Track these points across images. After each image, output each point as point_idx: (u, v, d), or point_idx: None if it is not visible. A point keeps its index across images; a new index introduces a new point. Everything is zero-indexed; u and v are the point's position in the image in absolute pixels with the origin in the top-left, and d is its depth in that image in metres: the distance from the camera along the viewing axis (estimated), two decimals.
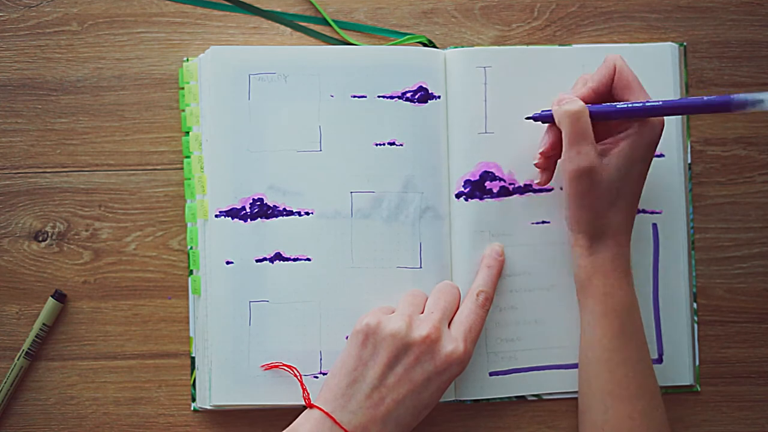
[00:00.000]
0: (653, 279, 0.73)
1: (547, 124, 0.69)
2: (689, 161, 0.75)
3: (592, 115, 0.66)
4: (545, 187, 0.73)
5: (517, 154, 0.73)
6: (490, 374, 0.72)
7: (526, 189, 0.73)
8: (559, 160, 0.69)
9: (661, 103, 0.65)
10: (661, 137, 0.68)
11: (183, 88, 0.74)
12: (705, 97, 0.64)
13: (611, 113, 0.67)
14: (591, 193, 0.67)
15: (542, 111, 0.69)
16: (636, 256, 0.73)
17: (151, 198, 0.74)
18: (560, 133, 0.67)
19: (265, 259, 0.71)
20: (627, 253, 0.68)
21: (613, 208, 0.67)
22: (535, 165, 0.70)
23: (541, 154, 0.69)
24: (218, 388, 0.70)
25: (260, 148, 0.71)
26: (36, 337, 0.72)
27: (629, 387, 0.67)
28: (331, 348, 0.70)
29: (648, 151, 0.67)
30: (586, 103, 0.67)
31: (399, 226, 0.71)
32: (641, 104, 0.66)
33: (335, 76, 0.72)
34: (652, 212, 0.74)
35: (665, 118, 0.67)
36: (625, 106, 0.66)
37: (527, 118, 0.70)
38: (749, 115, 0.75)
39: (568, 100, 0.67)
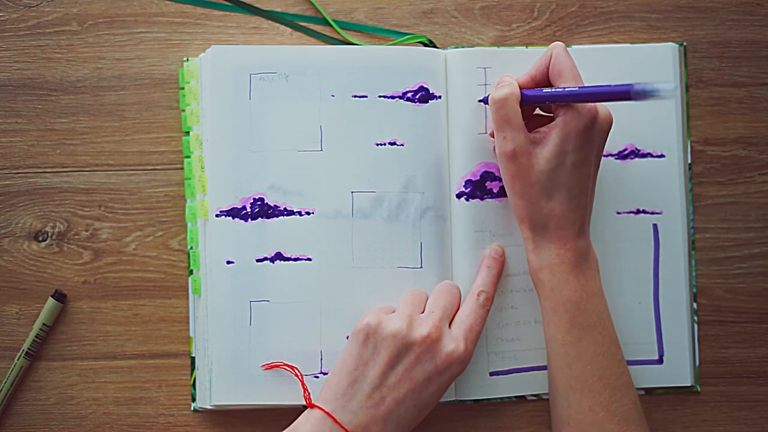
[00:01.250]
0: (653, 279, 0.73)
1: None
2: (689, 161, 0.75)
3: (523, 99, 0.67)
4: None
5: None
6: (491, 374, 0.72)
7: None
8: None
9: (576, 88, 0.65)
10: (601, 131, 0.67)
11: (183, 88, 0.74)
12: (610, 85, 0.64)
13: (534, 98, 0.67)
14: (521, 180, 0.67)
15: (486, 96, 0.70)
16: (636, 256, 0.73)
17: (151, 198, 0.74)
18: None
19: (265, 258, 0.71)
20: (575, 247, 0.67)
21: (550, 200, 0.67)
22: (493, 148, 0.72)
23: (490, 134, 0.71)
24: (218, 388, 0.70)
25: (261, 147, 0.71)
26: (36, 337, 0.72)
27: (587, 380, 0.66)
28: (331, 348, 0.70)
29: (580, 141, 0.66)
30: (523, 89, 0.68)
31: (400, 226, 0.71)
32: (560, 89, 0.66)
33: (336, 76, 0.72)
34: (652, 212, 0.74)
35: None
36: (547, 91, 0.66)
37: (479, 101, 0.72)
38: (749, 115, 0.75)
39: (502, 85, 0.68)
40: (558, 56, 0.67)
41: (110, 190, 0.74)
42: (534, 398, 0.73)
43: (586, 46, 0.74)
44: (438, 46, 0.75)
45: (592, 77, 0.73)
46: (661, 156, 0.74)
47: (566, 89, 0.66)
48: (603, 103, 0.68)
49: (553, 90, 0.66)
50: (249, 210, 0.71)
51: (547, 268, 0.68)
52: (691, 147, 0.75)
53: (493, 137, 0.71)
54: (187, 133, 0.73)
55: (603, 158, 0.73)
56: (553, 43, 0.68)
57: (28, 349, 0.72)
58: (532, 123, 0.70)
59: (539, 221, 0.68)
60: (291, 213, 0.71)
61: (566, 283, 0.67)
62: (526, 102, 0.67)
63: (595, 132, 0.67)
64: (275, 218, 0.71)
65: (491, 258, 0.71)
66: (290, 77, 0.72)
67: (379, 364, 0.65)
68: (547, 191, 0.67)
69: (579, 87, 0.66)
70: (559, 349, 0.67)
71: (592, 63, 0.73)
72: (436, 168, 0.72)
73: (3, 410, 0.72)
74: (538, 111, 0.71)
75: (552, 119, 0.68)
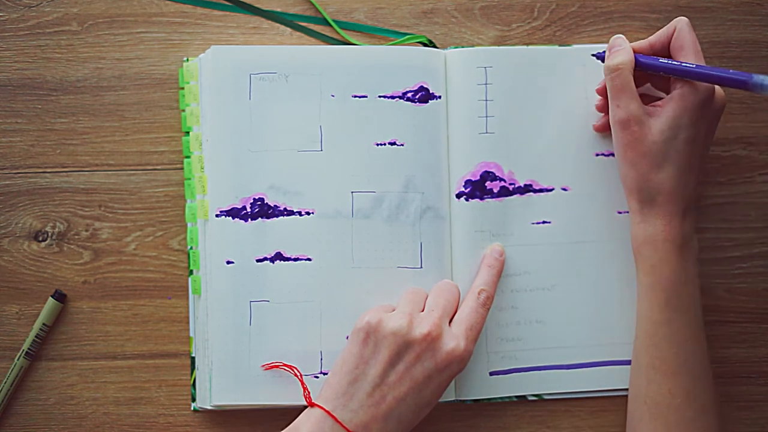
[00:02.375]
0: None
1: None
2: None
3: (637, 64, 0.68)
4: (545, 187, 0.73)
5: (518, 154, 0.73)
6: (491, 374, 0.72)
7: (527, 189, 0.73)
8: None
9: (694, 66, 0.66)
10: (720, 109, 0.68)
11: (183, 88, 0.74)
12: (729, 70, 0.64)
13: (649, 65, 0.68)
14: (633, 149, 0.67)
15: (603, 51, 0.70)
16: None
17: (151, 198, 0.74)
18: None
19: (265, 258, 0.71)
20: (680, 226, 0.67)
21: (660, 172, 0.67)
22: (596, 106, 0.72)
23: (597, 90, 0.72)
24: (218, 388, 0.70)
25: (261, 147, 0.71)
26: (36, 337, 0.72)
27: (672, 363, 0.67)
28: (331, 348, 0.70)
29: (694, 116, 0.66)
30: (639, 54, 0.68)
31: (399, 226, 0.71)
32: (677, 63, 0.66)
33: (336, 76, 0.72)
34: None
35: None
36: (664, 61, 0.67)
37: (592, 55, 0.72)
38: (749, 115, 0.75)
39: (616, 49, 0.69)
40: (682, 30, 0.68)
41: (110, 190, 0.74)
42: (534, 398, 0.73)
43: (586, 46, 0.74)
44: (438, 46, 0.75)
45: (592, 77, 0.73)
46: None
47: (684, 64, 0.66)
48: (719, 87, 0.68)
49: (671, 62, 0.67)
50: (249, 210, 0.71)
51: (651, 243, 0.68)
52: None
53: (599, 109, 0.72)
54: (187, 133, 0.73)
55: (603, 157, 0.73)
56: (678, 18, 0.68)
57: (28, 349, 0.72)
58: (644, 95, 0.70)
59: (647, 193, 0.68)
60: (291, 213, 0.71)
61: (667, 263, 0.67)
62: (640, 67, 0.68)
63: (710, 111, 0.67)
64: (275, 218, 0.71)
65: (492, 257, 0.71)
66: (290, 77, 0.72)
67: (379, 363, 0.65)
68: (658, 162, 0.67)
69: (698, 65, 0.66)
70: (650, 327, 0.68)
71: (593, 63, 0.73)
72: (436, 168, 0.72)
73: (3, 410, 0.72)
74: (650, 91, 0.71)
75: (663, 89, 0.69)
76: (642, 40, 0.70)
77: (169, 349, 0.73)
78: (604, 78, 0.69)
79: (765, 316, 0.74)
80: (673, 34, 0.68)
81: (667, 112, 0.67)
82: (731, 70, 0.64)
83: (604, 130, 0.72)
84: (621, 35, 0.70)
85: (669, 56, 0.68)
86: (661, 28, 0.74)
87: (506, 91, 0.73)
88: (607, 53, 0.69)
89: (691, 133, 0.67)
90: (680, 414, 0.66)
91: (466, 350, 0.66)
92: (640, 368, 0.68)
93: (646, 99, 0.70)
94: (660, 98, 0.69)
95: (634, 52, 0.69)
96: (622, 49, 0.68)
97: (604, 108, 0.72)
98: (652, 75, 0.70)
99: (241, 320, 0.70)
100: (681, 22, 0.68)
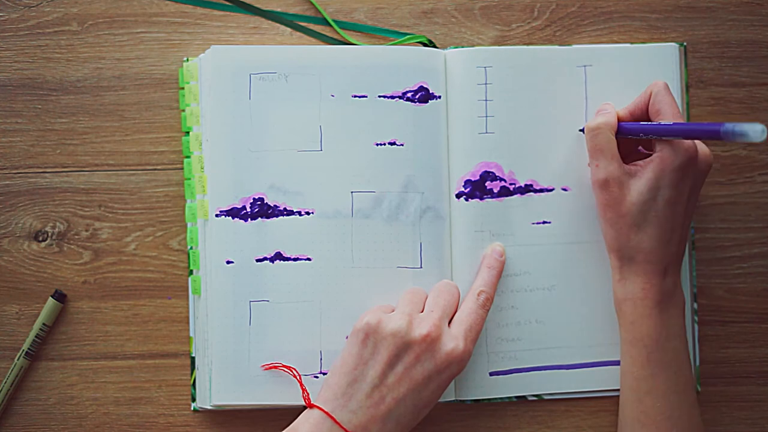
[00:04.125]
0: None
1: None
2: None
3: (618, 130, 0.68)
4: (545, 187, 0.73)
5: (518, 154, 0.73)
6: (491, 374, 0.72)
7: (527, 189, 0.73)
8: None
9: (667, 124, 0.66)
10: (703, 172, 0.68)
11: (183, 88, 0.74)
12: (701, 123, 0.64)
13: (627, 129, 0.68)
14: (612, 209, 0.67)
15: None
16: None
17: (151, 198, 0.74)
18: None
19: (265, 258, 0.71)
20: (660, 284, 0.68)
21: (639, 233, 0.67)
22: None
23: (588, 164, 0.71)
24: (218, 388, 0.70)
25: (261, 147, 0.71)
26: (36, 337, 0.72)
27: (656, 417, 0.67)
28: (331, 348, 0.70)
29: (675, 177, 0.66)
30: (620, 122, 0.69)
31: (399, 226, 0.71)
32: (652, 124, 0.67)
33: (336, 76, 0.72)
34: None
35: None
36: (641, 124, 0.67)
37: (580, 131, 0.73)
38: (749, 115, 0.75)
39: (599, 113, 0.70)
40: (658, 94, 0.68)
41: (110, 190, 0.74)
42: (534, 398, 0.73)
43: (586, 46, 0.74)
44: (438, 46, 0.75)
45: (592, 77, 0.73)
46: None
47: (658, 124, 0.66)
48: (704, 144, 0.69)
49: (646, 123, 0.67)
50: (249, 210, 0.71)
51: (631, 300, 0.68)
52: None
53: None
54: (187, 133, 0.73)
55: None
56: (654, 81, 0.69)
57: (28, 349, 0.72)
58: (633, 158, 0.70)
59: (627, 252, 0.68)
60: (291, 213, 0.71)
61: (647, 319, 0.68)
62: (621, 133, 0.68)
63: (692, 171, 0.67)
64: (275, 218, 0.71)
65: (492, 258, 0.71)
66: (290, 77, 0.72)
67: (378, 364, 0.65)
68: (637, 223, 0.67)
69: (671, 123, 0.66)
70: (633, 382, 0.68)
71: (592, 63, 0.73)
72: (436, 168, 0.72)
73: (3, 410, 0.72)
74: (642, 151, 0.72)
75: (641, 153, 0.70)
76: (621, 109, 0.70)
77: (169, 349, 0.73)
78: (585, 139, 0.69)
79: (765, 316, 0.74)
80: (650, 99, 0.68)
81: (647, 174, 0.66)
82: (704, 123, 0.64)
83: None
84: (610, 103, 0.71)
85: (649, 120, 0.69)
86: (661, 28, 0.74)
87: (506, 91, 0.73)
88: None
89: (672, 195, 0.66)
90: None
91: (466, 351, 0.66)
92: (626, 422, 0.69)
93: (633, 159, 0.70)
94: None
95: (618, 119, 0.69)
96: (605, 113, 0.69)
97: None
98: (640, 140, 0.70)
99: (240, 320, 0.70)
100: (656, 87, 0.68)
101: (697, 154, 0.67)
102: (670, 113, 0.67)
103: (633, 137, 0.68)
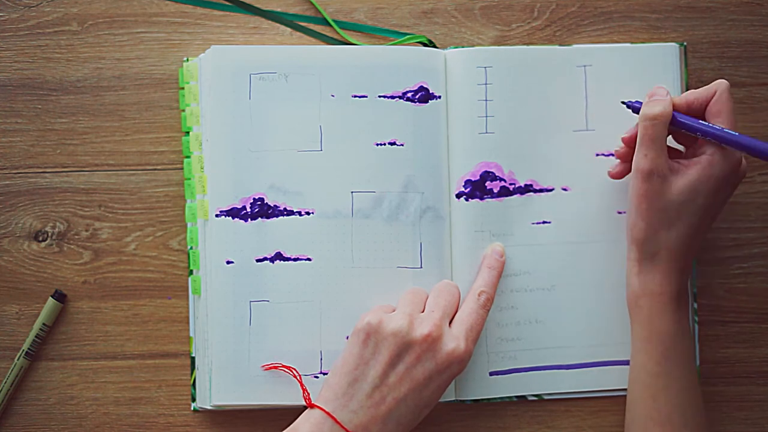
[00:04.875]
0: None
1: None
2: None
3: (673, 121, 0.67)
4: (545, 187, 0.73)
5: (518, 154, 0.73)
6: (491, 374, 0.72)
7: (527, 189, 0.73)
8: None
9: (730, 132, 0.65)
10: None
11: (183, 88, 0.74)
12: (759, 141, 0.64)
13: (685, 125, 0.66)
14: (648, 200, 0.66)
15: (636, 101, 0.70)
16: None
17: (151, 198, 0.74)
18: None
19: (265, 258, 0.71)
20: (678, 281, 0.67)
21: (669, 229, 0.67)
22: (615, 153, 0.71)
23: (623, 139, 0.70)
24: (218, 388, 0.70)
25: (261, 147, 0.71)
26: (36, 337, 0.72)
27: (670, 414, 0.67)
28: (331, 348, 0.70)
29: (718, 184, 0.66)
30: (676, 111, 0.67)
31: (399, 226, 0.71)
32: (714, 126, 0.65)
33: (336, 76, 0.72)
34: None
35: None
36: (703, 124, 0.66)
37: (622, 103, 0.71)
38: (749, 115, 0.75)
39: (656, 98, 0.67)
40: (722, 94, 0.67)
41: (110, 190, 0.74)
42: (534, 398, 0.73)
43: (586, 46, 0.74)
44: (438, 46, 0.75)
45: (592, 77, 0.73)
46: None
47: (722, 129, 0.65)
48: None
49: (707, 124, 0.66)
50: (249, 210, 0.71)
51: (648, 295, 0.68)
52: None
53: (619, 156, 0.71)
54: (187, 133, 0.73)
55: (603, 157, 0.73)
56: (719, 80, 0.67)
57: (28, 349, 0.72)
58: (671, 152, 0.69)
59: (651, 247, 0.67)
60: (291, 213, 0.71)
61: (664, 315, 0.67)
62: (675, 125, 0.67)
63: (732, 180, 0.67)
64: (275, 218, 0.71)
65: (492, 258, 0.71)
66: (290, 77, 0.72)
67: (379, 364, 0.65)
68: (671, 220, 0.66)
69: (735, 132, 0.65)
70: (647, 378, 0.67)
71: (592, 63, 0.73)
72: (436, 168, 0.72)
73: (3, 410, 0.72)
74: (672, 143, 0.70)
75: (682, 155, 0.69)
76: (680, 96, 0.68)
77: (169, 349, 0.73)
78: (638, 125, 0.67)
79: (765, 316, 0.74)
80: (713, 97, 0.67)
81: (692, 175, 0.66)
82: (762, 141, 0.63)
83: (619, 177, 0.72)
84: (663, 86, 0.69)
85: (703, 117, 0.68)
86: (661, 28, 0.74)
87: (506, 91, 0.73)
88: (645, 100, 0.68)
89: (709, 199, 0.66)
90: None
91: (467, 351, 0.66)
92: (637, 419, 0.68)
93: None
94: (678, 151, 0.69)
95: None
96: (662, 100, 0.67)
97: (624, 157, 0.71)
98: (679, 131, 0.68)
99: (241, 320, 0.70)
100: (721, 86, 0.67)
101: (740, 166, 0.67)
102: (729, 119, 0.66)
103: (685, 132, 0.67)
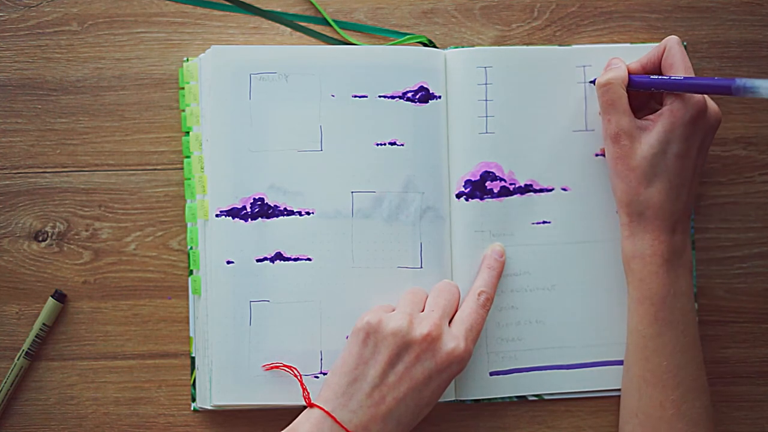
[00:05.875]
0: None
1: None
2: None
3: (630, 83, 0.68)
4: (545, 187, 0.73)
5: (518, 154, 0.73)
6: (491, 374, 0.72)
7: (527, 189, 0.73)
8: None
9: (679, 78, 0.66)
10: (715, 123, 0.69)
11: (183, 88, 0.74)
12: (713, 78, 0.65)
13: (639, 83, 0.68)
14: (623, 162, 0.68)
15: (595, 78, 0.72)
16: None
17: (151, 198, 0.74)
18: None
19: (265, 258, 0.71)
20: (669, 240, 0.68)
21: (649, 187, 0.67)
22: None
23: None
24: (218, 388, 0.70)
25: (261, 147, 0.71)
26: (36, 337, 0.72)
27: (663, 376, 0.67)
28: (331, 348, 0.70)
29: (684, 131, 0.67)
30: (631, 75, 0.69)
31: (399, 226, 0.71)
32: (664, 77, 0.67)
33: (336, 76, 0.72)
34: None
35: None
36: (654, 77, 0.68)
37: (590, 82, 0.73)
38: (749, 115, 0.75)
39: (609, 68, 0.70)
40: (672, 48, 0.68)
41: (110, 190, 0.74)
42: (534, 398, 0.73)
43: (586, 46, 0.74)
44: (438, 46, 0.75)
45: (592, 77, 0.73)
46: None
47: (670, 78, 0.67)
48: (713, 101, 0.69)
49: (657, 77, 0.68)
50: (249, 210, 0.71)
51: (639, 257, 0.68)
52: None
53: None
54: (187, 133, 0.73)
55: (603, 157, 0.73)
56: (668, 36, 0.69)
57: (28, 349, 0.72)
58: (646, 112, 0.70)
59: (636, 207, 0.68)
60: (291, 213, 0.71)
61: (655, 276, 0.68)
62: (632, 86, 0.69)
63: (701, 125, 0.67)
64: (275, 218, 0.71)
65: (492, 258, 0.71)
66: (290, 77, 0.72)
67: (379, 363, 0.65)
68: (648, 177, 0.67)
69: (682, 77, 0.66)
70: (639, 340, 0.68)
71: (592, 63, 0.73)
72: (436, 168, 0.72)
73: (3, 410, 0.72)
74: (654, 106, 0.72)
75: (653, 106, 0.70)
76: (634, 61, 0.70)
77: (169, 349, 0.73)
78: (597, 94, 0.69)
79: (765, 316, 0.74)
80: (663, 53, 0.69)
81: (658, 128, 0.67)
82: (716, 78, 0.64)
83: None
84: (619, 57, 0.71)
85: (660, 75, 0.69)
86: (661, 28, 0.74)
87: (506, 91, 0.73)
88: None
89: (682, 148, 0.67)
90: (672, 426, 0.67)
91: (466, 351, 0.66)
92: (632, 381, 0.69)
93: (645, 113, 0.70)
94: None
95: (628, 72, 0.69)
96: (614, 67, 0.70)
97: None
98: (652, 93, 0.70)
99: (241, 320, 0.70)
100: (671, 41, 0.69)
101: (706, 108, 0.67)
102: (682, 68, 0.67)
103: (644, 90, 0.69)
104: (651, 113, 0.69)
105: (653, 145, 0.67)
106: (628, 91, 0.68)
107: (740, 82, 0.61)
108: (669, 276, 0.68)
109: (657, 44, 0.70)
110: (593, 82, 0.73)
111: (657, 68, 0.70)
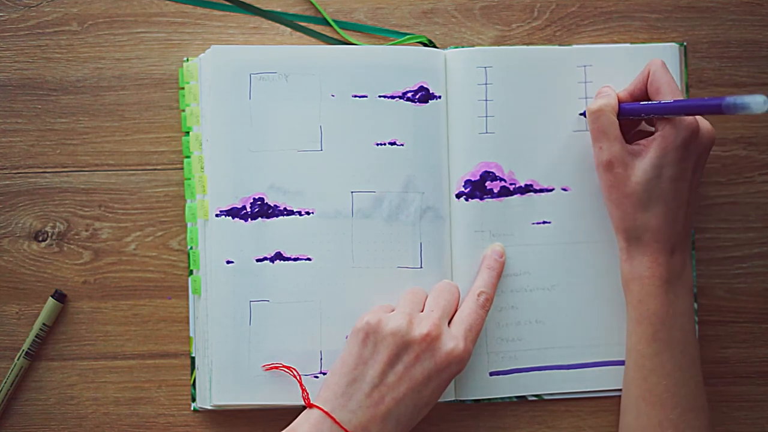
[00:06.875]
0: None
1: None
2: None
3: (620, 111, 0.68)
4: (545, 187, 0.73)
5: (518, 154, 0.73)
6: (491, 374, 0.72)
7: (527, 189, 0.73)
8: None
9: (668, 102, 0.66)
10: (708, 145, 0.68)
11: (183, 88, 0.74)
12: (702, 99, 0.64)
13: (629, 110, 0.68)
14: (617, 190, 0.68)
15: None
16: None
17: (151, 198, 0.74)
18: None
19: (265, 258, 0.71)
20: (667, 262, 0.68)
21: (645, 212, 0.67)
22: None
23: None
24: (218, 388, 0.70)
25: (261, 147, 0.71)
26: (36, 337, 0.72)
27: (661, 395, 0.67)
28: (331, 348, 0.70)
29: (678, 154, 0.66)
30: (621, 103, 0.69)
31: (399, 226, 0.71)
32: (653, 102, 0.67)
33: (336, 76, 0.72)
34: None
35: None
36: (643, 103, 0.68)
37: (580, 114, 0.73)
38: (749, 115, 0.75)
39: (599, 96, 0.70)
40: (655, 73, 0.68)
41: (110, 190, 0.74)
42: (534, 398, 0.73)
43: (586, 46, 0.74)
44: (438, 46, 0.75)
45: (592, 77, 0.73)
46: None
47: (658, 103, 0.66)
48: (706, 120, 0.69)
49: (646, 103, 0.67)
50: (249, 210, 0.71)
51: (638, 279, 0.68)
52: None
53: None
54: (187, 133, 0.73)
55: None
56: (651, 61, 0.69)
57: (28, 349, 0.72)
58: (637, 138, 0.70)
59: (634, 232, 0.68)
60: (291, 213, 0.71)
61: (654, 298, 0.68)
62: (622, 114, 0.68)
63: (694, 147, 0.67)
64: (275, 218, 0.71)
65: (492, 258, 0.71)
66: (290, 77, 0.72)
67: (378, 363, 0.65)
68: (643, 203, 0.67)
69: (672, 101, 0.66)
70: (638, 359, 0.68)
71: (592, 63, 0.73)
72: (436, 168, 0.72)
73: (3, 410, 0.72)
74: (644, 127, 0.72)
75: (645, 132, 0.70)
76: (621, 91, 0.70)
77: (169, 349, 0.73)
78: (588, 122, 0.69)
79: (765, 316, 0.74)
80: (648, 78, 0.69)
81: (650, 153, 0.67)
82: (704, 98, 0.64)
83: None
84: (609, 85, 0.71)
85: (649, 100, 0.69)
86: (661, 28, 0.74)
87: (506, 91, 0.73)
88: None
89: (676, 172, 0.67)
90: None
91: (466, 351, 0.66)
92: (630, 399, 0.69)
93: (636, 138, 0.70)
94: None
95: (618, 100, 0.69)
96: (604, 95, 0.70)
97: None
98: (642, 119, 0.70)
99: (241, 320, 0.70)
100: (653, 65, 0.69)
101: (698, 129, 0.67)
102: (668, 91, 0.67)
103: (634, 117, 0.69)
104: (643, 137, 0.69)
105: (647, 170, 0.67)
106: (619, 119, 0.68)
107: (730, 100, 0.61)
108: (668, 297, 0.68)
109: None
110: (584, 114, 0.72)
111: (644, 93, 0.69)
